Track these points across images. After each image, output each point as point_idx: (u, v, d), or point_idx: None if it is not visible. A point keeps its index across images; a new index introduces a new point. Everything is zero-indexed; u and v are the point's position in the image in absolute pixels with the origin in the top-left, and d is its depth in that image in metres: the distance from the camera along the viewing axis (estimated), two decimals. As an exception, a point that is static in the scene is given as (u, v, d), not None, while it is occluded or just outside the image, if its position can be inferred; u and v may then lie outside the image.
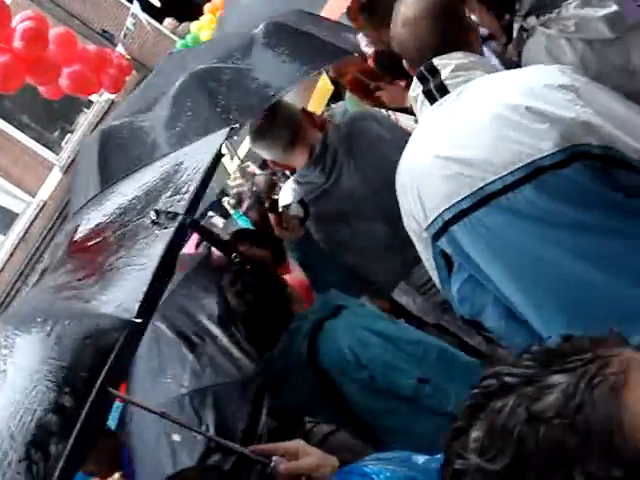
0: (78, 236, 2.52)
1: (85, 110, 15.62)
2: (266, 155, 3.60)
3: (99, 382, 1.72)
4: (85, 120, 15.48)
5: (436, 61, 2.19)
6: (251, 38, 3.22)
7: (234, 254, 3.11)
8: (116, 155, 2.98)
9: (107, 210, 2.50)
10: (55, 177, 15.21)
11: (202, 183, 2.16)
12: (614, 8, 2.19)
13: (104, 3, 15.70)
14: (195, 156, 2.35)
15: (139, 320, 1.79)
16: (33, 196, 15.30)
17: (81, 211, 2.76)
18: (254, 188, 5.66)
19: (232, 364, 2.88)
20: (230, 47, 3.30)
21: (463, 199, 1.98)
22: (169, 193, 2.19)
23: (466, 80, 2.14)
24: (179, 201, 2.10)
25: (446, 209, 2.02)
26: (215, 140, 2.37)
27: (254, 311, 3.00)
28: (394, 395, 2.67)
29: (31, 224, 15.12)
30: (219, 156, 2.30)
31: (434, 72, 2.18)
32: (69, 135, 15.77)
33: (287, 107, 3.47)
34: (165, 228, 2.02)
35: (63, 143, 15.75)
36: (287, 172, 5.78)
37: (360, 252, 3.35)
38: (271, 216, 3.28)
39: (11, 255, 15.08)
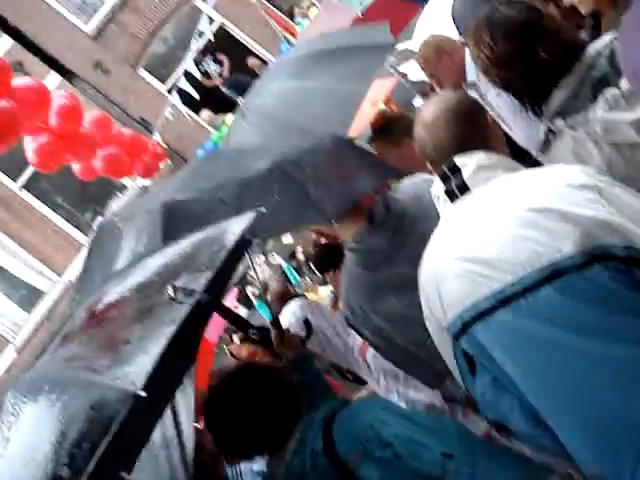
0: (97, 308, 2.50)
1: (118, 194, 15.90)
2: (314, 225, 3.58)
3: (98, 456, 1.67)
4: (118, 205, 15.71)
5: (458, 160, 2.20)
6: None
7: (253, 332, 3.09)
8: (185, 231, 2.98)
9: (127, 284, 2.50)
10: (83, 257, 15.33)
11: (226, 263, 2.13)
12: (642, 112, 2.21)
13: (144, 93, 16.18)
14: (223, 235, 2.34)
15: (143, 394, 1.73)
16: (60, 275, 15.44)
17: (103, 285, 2.76)
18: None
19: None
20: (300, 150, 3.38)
21: (482, 299, 1.95)
22: (190, 271, 2.18)
23: (487, 179, 2.14)
24: (199, 279, 2.07)
25: (465, 309, 1.99)
26: (242, 222, 2.36)
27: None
28: (420, 473, 2.58)
29: (56, 304, 15.20)
30: (246, 241, 2.28)
31: (456, 171, 2.20)
32: (100, 218, 16.00)
33: None
34: (181, 304, 1.99)
35: (94, 225, 15.96)
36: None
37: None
38: (273, 331, 3.21)
39: (34, 333, 15.12)
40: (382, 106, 5.91)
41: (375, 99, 5.83)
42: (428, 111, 2.34)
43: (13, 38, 15.80)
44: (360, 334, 3.46)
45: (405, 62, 5.63)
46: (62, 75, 15.72)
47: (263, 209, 2.43)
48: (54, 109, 7.16)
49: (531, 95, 2.49)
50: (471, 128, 2.29)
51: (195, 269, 2.17)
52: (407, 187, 3.37)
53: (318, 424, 2.77)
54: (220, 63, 16.33)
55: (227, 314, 3.35)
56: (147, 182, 14.58)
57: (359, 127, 5.89)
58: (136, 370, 1.86)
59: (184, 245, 2.50)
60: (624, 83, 2.29)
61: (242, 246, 2.26)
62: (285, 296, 5.66)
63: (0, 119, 6.19)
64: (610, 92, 2.32)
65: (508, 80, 2.49)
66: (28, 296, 15.95)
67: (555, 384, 1.87)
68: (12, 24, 15.88)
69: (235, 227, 2.34)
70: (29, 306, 15.75)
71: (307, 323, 3.41)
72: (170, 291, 2.04)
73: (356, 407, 2.84)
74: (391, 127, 5.98)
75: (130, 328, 2.15)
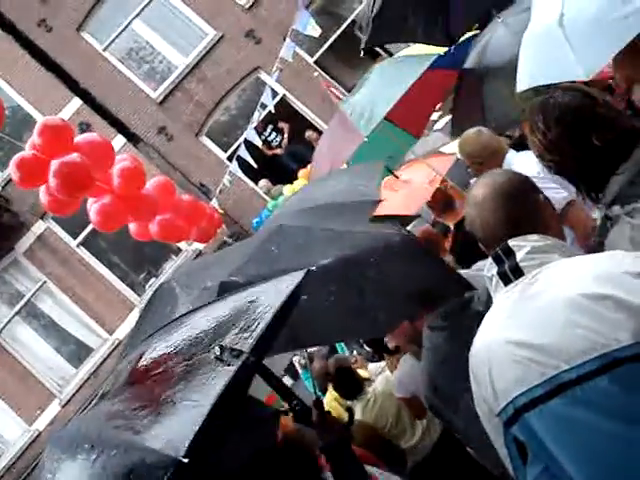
0: (141, 364, 2.47)
1: (173, 257, 16.12)
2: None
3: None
4: (171, 266, 15.92)
5: (511, 242, 2.16)
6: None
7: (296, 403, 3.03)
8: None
9: (173, 341, 2.44)
10: (134, 317, 15.52)
11: (273, 322, 2.07)
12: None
13: (205, 159, 16.54)
14: (271, 294, 2.29)
15: (186, 460, 1.68)
16: (110, 333, 15.61)
17: (149, 339, 2.73)
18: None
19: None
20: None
21: (535, 386, 1.92)
22: (237, 330, 2.12)
23: (541, 263, 2.09)
24: (246, 339, 2.01)
25: (518, 395, 1.95)
26: (293, 280, 2.29)
27: None
28: None
29: (104, 361, 15.34)
30: (296, 297, 2.21)
31: (509, 253, 2.15)
32: (154, 279, 16.21)
33: None
34: (228, 365, 1.94)
35: (147, 286, 16.18)
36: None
37: None
38: (314, 413, 3.15)
39: (79, 388, 15.24)
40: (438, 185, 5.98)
41: (432, 178, 5.89)
42: (477, 191, 2.31)
43: (82, 99, 16.37)
44: (441, 415, 3.31)
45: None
46: (127, 138, 16.18)
47: (313, 268, 2.40)
48: (117, 171, 7.33)
49: (587, 181, 2.48)
50: (520, 208, 2.26)
51: (243, 328, 2.12)
52: (477, 278, 3.30)
53: None
54: (281, 132, 16.66)
55: (271, 379, 3.30)
56: (201, 246, 14.78)
57: (417, 206, 5.97)
58: (178, 434, 1.81)
59: (232, 302, 2.45)
60: None
61: (290, 306, 2.18)
62: (327, 373, 5.59)
63: (73, 171, 6.37)
64: None
65: (561, 165, 2.50)
66: (77, 351, 16.13)
67: (608, 476, 1.84)
68: (82, 86, 16.48)
69: (284, 285, 2.28)
70: (77, 361, 15.91)
71: (349, 411, 3.31)
72: (217, 351, 2.00)
73: None
74: (450, 201, 6.05)
75: (174, 387, 2.10)
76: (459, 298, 3.07)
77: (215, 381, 1.93)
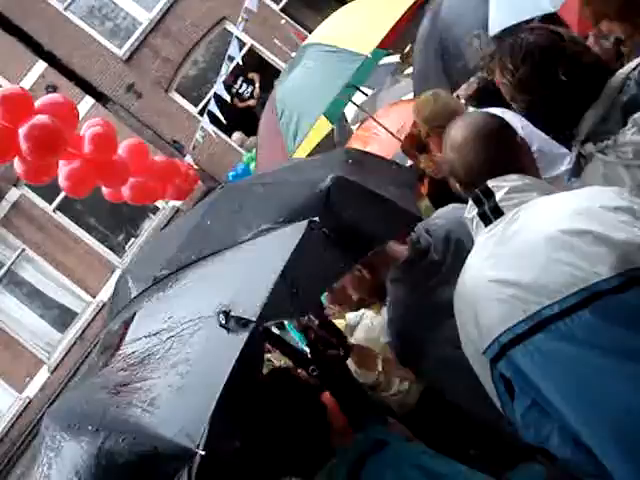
0: (135, 326, 2.35)
1: (151, 216, 16.05)
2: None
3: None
4: (150, 226, 15.87)
5: (491, 183, 2.19)
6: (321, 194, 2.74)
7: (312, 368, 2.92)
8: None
9: (170, 302, 2.32)
10: (116, 279, 15.48)
11: (278, 285, 1.92)
12: (673, 134, 2.21)
13: (176, 115, 16.35)
14: (274, 250, 2.19)
15: (202, 452, 1.59)
16: (93, 296, 15.59)
17: (141, 297, 2.60)
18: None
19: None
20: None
21: (519, 323, 1.95)
22: (242, 294, 1.99)
23: (521, 202, 2.12)
24: (252, 303, 1.88)
25: (502, 333, 1.99)
26: (294, 233, 2.15)
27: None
28: None
29: (89, 324, 15.35)
30: (300, 251, 2.06)
31: (489, 194, 2.18)
32: (133, 239, 16.18)
33: None
34: (235, 334, 1.81)
35: (127, 246, 16.13)
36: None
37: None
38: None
39: (67, 353, 15.27)
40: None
41: (401, 126, 5.85)
42: (456, 133, 2.31)
43: (47, 62, 16.08)
44: (409, 364, 3.26)
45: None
46: (95, 98, 15.95)
47: (316, 219, 2.26)
48: (88, 136, 7.25)
49: (559, 119, 2.48)
50: (501, 149, 2.27)
51: (248, 291, 2.01)
52: (447, 212, 3.25)
53: (346, 471, 2.58)
54: (251, 82, 16.47)
55: (280, 345, 3.19)
56: (179, 204, 14.71)
57: (388, 154, 5.94)
58: (191, 420, 1.71)
59: (231, 257, 2.33)
60: None
61: (294, 262, 2.02)
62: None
63: (43, 132, 6.30)
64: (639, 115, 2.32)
65: (532, 104, 2.49)
66: (62, 317, 16.12)
67: (595, 407, 1.86)
68: (47, 48, 16.17)
69: (287, 239, 2.14)
70: (62, 327, 15.91)
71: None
72: (222, 319, 1.88)
73: (385, 458, 2.62)
74: (424, 144, 6.01)
75: (177, 355, 1.98)
76: (415, 249, 3.06)
77: (224, 354, 1.81)
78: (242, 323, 1.83)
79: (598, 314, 1.85)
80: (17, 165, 6.79)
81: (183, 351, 1.96)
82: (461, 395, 3.02)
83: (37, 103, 6.66)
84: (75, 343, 15.32)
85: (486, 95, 4.69)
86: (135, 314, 2.46)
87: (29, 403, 15.11)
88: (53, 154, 6.71)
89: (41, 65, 16.04)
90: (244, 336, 1.79)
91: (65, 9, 16.64)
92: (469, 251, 2.42)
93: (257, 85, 16.43)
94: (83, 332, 15.35)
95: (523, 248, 2.03)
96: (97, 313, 15.40)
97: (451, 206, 3.27)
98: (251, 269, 2.17)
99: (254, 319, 1.82)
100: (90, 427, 1.93)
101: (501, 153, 2.26)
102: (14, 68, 15.85)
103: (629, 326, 1.84)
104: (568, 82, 2.39)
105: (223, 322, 1.86)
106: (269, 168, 4.37)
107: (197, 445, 1.60)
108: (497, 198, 2.16)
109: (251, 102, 16.25)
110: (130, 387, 2.00)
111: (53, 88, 15.47)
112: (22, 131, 6.24)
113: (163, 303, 2.37)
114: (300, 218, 2.28)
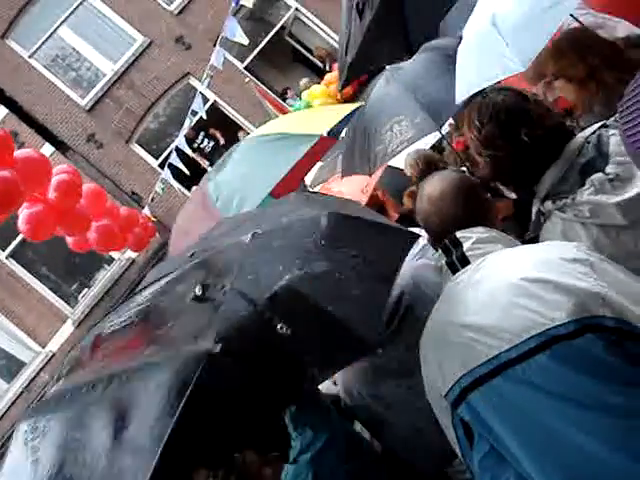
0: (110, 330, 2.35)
1: (106, 266, 15.90)
2: None
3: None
4: (104, 276, 15.71)
5: (459, 234, 2.31)
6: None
7: None
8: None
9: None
10: (67, 330, 15.28)
11: None
12: (627, 195, 2.32)
13: (136, 166, 16.37)
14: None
15: (219, 345, 1.66)
16: (43, 346, 15.32)
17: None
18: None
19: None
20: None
21: (479, 366, 1.99)
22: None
23: (486, 252, 2.24)
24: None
25: (463, 375, 2.02)
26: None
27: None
28: None
29: (37, 374, 15.04)
30: None
31: (457, 244, 2.30)
32: (86, 289, 15.97)
33: None
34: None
35: (80, 297, 15.92)
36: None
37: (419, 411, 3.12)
38: None
39: (12, 404, 14.91)
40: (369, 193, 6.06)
41: (365, 186, 5.96)
42: (434, 187, 2.46)
43: (8, 108, 16.05)
44: (357, 419, 3.38)
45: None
46: (55, 147, 15.91)
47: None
48: (54, 184, 7.22)
49: (521, 176, 2.62)
50: (474, 205, 2.42)
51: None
52: (404, 272, 3.34)
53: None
54: (213, 137, 16.60)
55: None
56: (134, 255, 14.63)
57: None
58: (201, 332, 1.76)
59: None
60: (609, 168, 2.42)
61: None
62: None
63: (2, 188, 6.25)
64: (596, 176, 2.44)
65: (496, 161, 2.63)
66: (8, 366, 15.78)
67: (549, 453, 1.89)
68: (8, 94, 16.15)
69: None
70: (9, 376, 15.56)
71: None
72: (198, 290, 1.91)
73: None
74: (383, 208, 6.17)
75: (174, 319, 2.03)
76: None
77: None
78: (217, 289, 1.90)
79: (554, 358, 1.90)
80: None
81: (161, 327, 2.03)
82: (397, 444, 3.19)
83: (15, 154, 6.63)
84: (21, 394, 14.98)
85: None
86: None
87: (-31, 454, 14.68)
88: (6, 210, 6.65)
89: (2, 111, 16.00)
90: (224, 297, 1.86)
91: (30, 57, 16.70)
92: (418, 317, 2.52)
93: (221, 142, 16.56)
94: (30, 382, 15.03)
95: (486, 294, 2.09)
96: (46, 364, 15.11)
97: (408, 264, 3.32)
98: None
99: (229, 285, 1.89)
100: (83, 389, 1.95)
101: (473, 208, 2.41)
102: (-26, 113, 15.81)
103: (584, 372, 1.88)
104: (530, 142, 2.54)
105: (199, 294, 1.90)
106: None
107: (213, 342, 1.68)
108: (464, 248, 2.27)
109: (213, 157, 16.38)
110: (118, 365, 2.04)
111: (14, 134, 15.42)
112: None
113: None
114: None
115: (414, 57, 5.61)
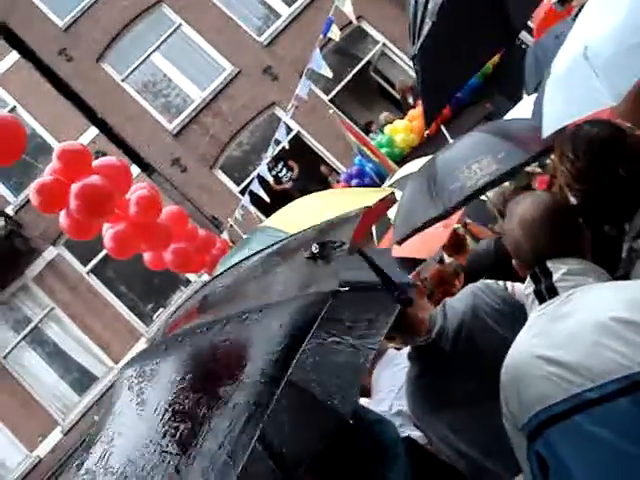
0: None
1: (182, 288, 16.14)
2: None
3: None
4: (180, 297, 15.92)
5: (549, 264, 2.24)
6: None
7: None
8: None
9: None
10: (141, 347, 15.50)
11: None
12: None
13: (218, 192, 16.65)
14: None
15: (345, 289, 1.70)
16: (116, 362, 15.58)
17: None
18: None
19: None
20: None
21: (559, 402, 1.98)
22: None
23: (576, 285, 2.17)
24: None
25: (541, 410, 2.02)
26: None
27: None
28: None
29: (108, 389, 15.29)
30: None
31: (546, 274, 2.23)
32: (162, 309, 16.23)
33: None
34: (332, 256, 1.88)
35: (155, 316, 16.18)
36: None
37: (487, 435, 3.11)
38: None
39: (82, 417, 15.18)
40: (455, 226, 6.08)
41: (448, 221, 5.95)
42: (526, 211, 2.34)
43: (99, 129, 16.56)
44: (427, 437, 3.41)
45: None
46: (141, 168, 16.33)
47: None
48: (134, 199, 7.38)
49: (613, 212, 2.54)
50: (567, 232, 2.32)
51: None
52: (464, 297, 3.29)
53: None
54: (291, 169, 16.79)
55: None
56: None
57: (434, 250, 6.02)
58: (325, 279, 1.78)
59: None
60: None
61: None
62: None
63: (94, 193, 6.44)
64: None
65: (588, 195, 2.55)
66: (81, 379, 16.10)
67: None
68: (100, 115, 16.67)
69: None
70: (81, 389, 15.87)
71: None
72: (315, 249, 1.91)
73: None
74: (463, 243, 6.15)
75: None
76: (426, 337, 3.12)
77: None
78: (334, 246, 1.89)
79: (636, 404, 1.88)
80: (62, 219, 6.88)
81: (278, 280, 2.06)
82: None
83: (94, 163, 6.84)
84: (92, 407, 15.25)
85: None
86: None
87: (38, 462, 14.98)
88: (100, 215, 6.85)
89: (93, 131, 16.51)
90: (342, 258, 1.85)
91: (123, 80, 17.23)
92: (478, 345, 2.50)
93: (296, 171, 16.73)
94: (101, 397, 15.29)
95: (572, 330, 2.07)
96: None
97: (476, 288, 3.30)
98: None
99: (346, 240, 1.88)
100: (200, 330, 1.96)
101: (566, 236, 2.31)
102: (67, 132, 16.30)
103: None
104: (626, 178, 2.45)
105: (316, 251, 1.89)
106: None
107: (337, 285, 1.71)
108: (554, 278, 2.21)
109: (287, 185, 16.53)
110: (230, 305, 2.09)
111: (102, 154, 15.86)
112: (74, 187, 6.38)
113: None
114: None
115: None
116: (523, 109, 6.90)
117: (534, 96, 5.92)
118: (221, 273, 2.64)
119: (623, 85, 3.57)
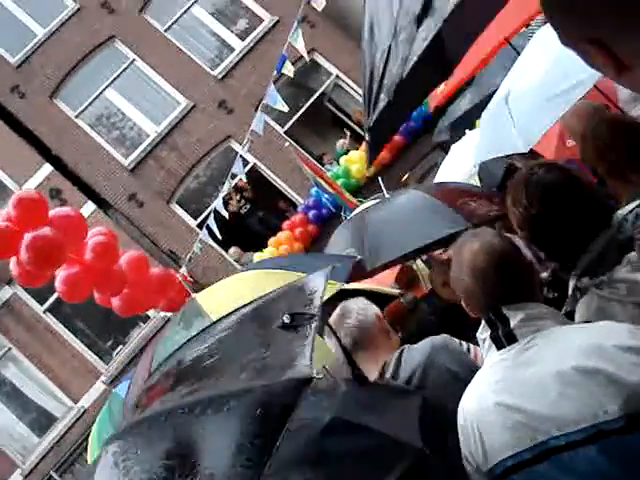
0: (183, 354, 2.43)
1: (141, 324, 15.99)
2: None
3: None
4: (139, 334, 15.80)
5: (505, 310, 2.24)
6: None
7: None
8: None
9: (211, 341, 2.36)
10: (100, 386, 15.34)
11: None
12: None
13: (175, 226, 16.59)
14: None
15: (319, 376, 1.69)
16: (75, 402, 15.37)
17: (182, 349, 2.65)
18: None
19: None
20: None
21: (525, 450, 2.00)
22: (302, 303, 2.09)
23: (535, 330, 2.17)
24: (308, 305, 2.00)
25: (508, 457, 2.03)
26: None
27: None
28: None
29: (68, 430, 15.08)
30: None
31: (503, 320, 2.23)
32: (121, 347, 16.06)
33: (361, 312, 3.30)
34: (303, 328, 1.91)
35: (114, 354, 16.01)
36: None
37: None
38: None
39: (42, 458, 14.92)
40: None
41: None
42: (477, 259, 2.33)
43: (53, 166, 16.43)
44: None
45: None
46: (97, 204, 16.22)
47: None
48: (90, 245, 7.28)
49: (562, 253, 2.59)
50: (519, 277, 2.33)
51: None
52: (424, 347, 3.18)
53: None
54: (250, 200, 16.78)
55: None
56: (170, 314, 14.70)
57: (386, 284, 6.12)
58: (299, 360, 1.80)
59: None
60: None
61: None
62: None
63: (45, 246, 6.38)
64: (633, 254, 2.41)
65: (539, 238, 2.60)
66: (40, 420, 15.82)
67: None
68: (54, 152, 16.56)
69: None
70: (40, 430, 15.60)
71: None
72: (287, 319, 1.95)
73: None
74: (415, 278, 6.22)
75: (247, 355, 2.08)
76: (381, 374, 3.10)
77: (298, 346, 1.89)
78: (306, 318, 1.92)
79: (603, 452, 1.90)
80: (13, 267, 6.75)
81: (252, 353, 2.05)
82: None
83: (50, 213, 6.77)
84: (52, 448, 14.99)
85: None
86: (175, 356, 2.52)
87: (-1, 507, 14.68)
88: (51, 267, 6.75)
89: (47, 168, 16.37)
90: (313, 328, 1.89)
91: (76, 116, 17.14)
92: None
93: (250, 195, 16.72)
94: (61, 438, 15.05)
95: (535, 378, 2.08)
96: (77, 419, 15.13)
97: (430, 343, 3.20)
98: (293, 293, 2.27)
99: (316, 312, 1.93)
100: (181, 411, 1.97)
101: (521, 282, 2.32)
102: (21, 169, 16.20)
103: (630, 468, 1.90)
104: (578, 219, 2.50)
105: (288, 322, 1.94)
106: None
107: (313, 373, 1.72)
108: (512, 325, 2.22)
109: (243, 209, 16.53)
110: (209, 381, 2.08)
111: (57, 192, 15.77)
112: (26, 238, 6.30)
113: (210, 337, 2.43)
114: None
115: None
116: (466, 144, 7.15)
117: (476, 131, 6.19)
118: (195, 335, 2.62)
119: (534, 135, 3.73)
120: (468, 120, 8.30)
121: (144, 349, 15.33)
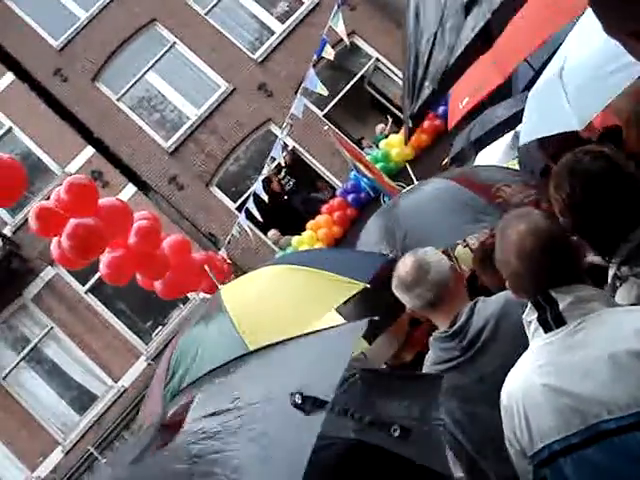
0: (197, 406, 2.25)
1: (181, 306, 16.14)
2: (405, 304, 3.33)
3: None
4: (179, 315, 15.95)
5: (553, 292, 2.21)
6: None
7: None
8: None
9: (235, 384, 2.31)
10: (140, 366, 15.54)
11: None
12: None
13: (215, 209, 16.70)
14: (336, 340, 2.22)
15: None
16: (115, 381, 15.60)
17: (199, 382, 2.62)
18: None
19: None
20: None
21: (574, 434, 2.00)
22: (313, 376, 2.03)
23: (584, 313, 2.15)
24: (324, 386, 1.91)
25: (556, 441, 2.04)
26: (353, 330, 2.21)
27: None
28: None
29: (108, 409, 15.31)
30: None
31: (551, 302, 2.20)
32: (161, 327, 16.24)
33: (438, 266, 3.24)
34: (311, 414, 1.83)
35: (154, 334, 16.19)
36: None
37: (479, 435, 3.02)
38: None
39: (83, 436, 15.17)
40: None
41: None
42: (523, 241, 2.28)
43: (95, 149, 16.61)
44: None
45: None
46: (138, 187, 16.38)
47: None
48: (134, 229, 7.37)
49: (603, 241, 2.56)
50: (566, 258, 2.29)
51: (316, 373, 2.07)
52: (498, 300, 3.18)
53: None
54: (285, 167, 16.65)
55: None
56: (209, 296, 14.82)
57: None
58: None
59: (294, 346, 2.35)
60: None
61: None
62: None
63: (86, 235, 6.49)
64: None
65: (581, 226, 2.55)
66: (81, 398, 16.08)
67: None
68: (96, 135, 16.73)
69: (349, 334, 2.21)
70: (81, 408, 15.86)
71: None
72: (297, 399, 1.88)
73: None
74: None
75: (253, 431, 1.97)
76: (452, 325, 3.14)
77: (303, 432, 1.84)
78: (317, 404, 1.85)
79: None
80: (53, 248, 6.95)
81: (259, 427, 1.94)
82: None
83: (99, 202, 6.88)
84: (92, 426, 15.25)
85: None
86: (194, 397, 2.48)
87: (40, 483, 14.98)
88: (88, 257, 6.91)
89: (89, 151, 16.57)
90: (321, 416, 1.82)
91: (118, 99, 17.30)
92: (494, 352, 2.50)
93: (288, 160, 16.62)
94: (101, 416, 15.30)
95: (585, 361, 2.07)
96: (117, 398, 15.37)
97: (504, 296, 3.15)
98: (318, 355, 2.24)
99: (329, 399, 1.85)
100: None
101: (568, 263, 2.29)
102: (63, 151, 16.41)
103: None
104: (620, 209, 2.47)
105: (299, 402, 1.87)
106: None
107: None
108: (560, 307, 2.19)
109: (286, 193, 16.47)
110: (207, 458, 1.95)
111: (98, 174, 15.95)
112: (69, 225, 6.43)
113: (226, 386, 2.38)
114: None
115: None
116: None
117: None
118: (212, 370, 2.62)
119: (588, 113, 3.62)
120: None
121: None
